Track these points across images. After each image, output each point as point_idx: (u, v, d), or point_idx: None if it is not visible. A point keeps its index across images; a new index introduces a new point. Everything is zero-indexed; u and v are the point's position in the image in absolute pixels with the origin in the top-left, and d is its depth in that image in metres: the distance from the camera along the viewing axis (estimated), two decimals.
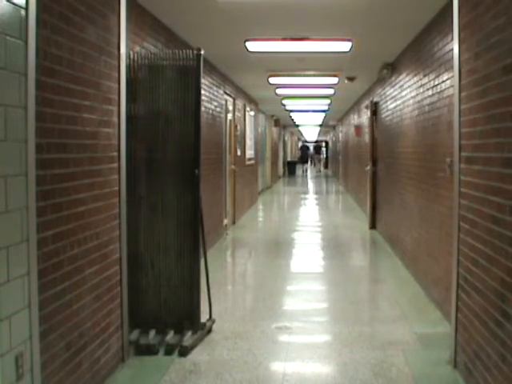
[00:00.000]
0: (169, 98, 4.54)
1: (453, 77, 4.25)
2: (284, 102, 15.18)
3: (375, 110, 10.75)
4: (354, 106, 16.14)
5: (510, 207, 3.01)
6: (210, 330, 4.81)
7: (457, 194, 4.03)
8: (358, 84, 11.00)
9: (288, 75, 10.12)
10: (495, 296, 3.22)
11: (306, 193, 21.52)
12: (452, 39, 4.25)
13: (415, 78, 6.79)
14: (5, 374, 2.56)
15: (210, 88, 8.79)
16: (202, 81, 4.69)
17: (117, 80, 4.01)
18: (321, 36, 6.66)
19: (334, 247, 9.03)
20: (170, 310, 4.60)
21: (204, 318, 4.81)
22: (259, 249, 9.33)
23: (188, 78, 4.53)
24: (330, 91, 12.45)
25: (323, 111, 18.91)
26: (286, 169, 33.44)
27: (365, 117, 12.76)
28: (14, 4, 2.60)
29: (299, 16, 5.70)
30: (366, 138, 11.93)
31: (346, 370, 4.08)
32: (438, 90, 5.54)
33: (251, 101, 14.76)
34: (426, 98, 6.18)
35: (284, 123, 27.42)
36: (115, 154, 4.00)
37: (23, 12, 2.68)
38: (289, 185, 26.46)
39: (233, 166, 11.29)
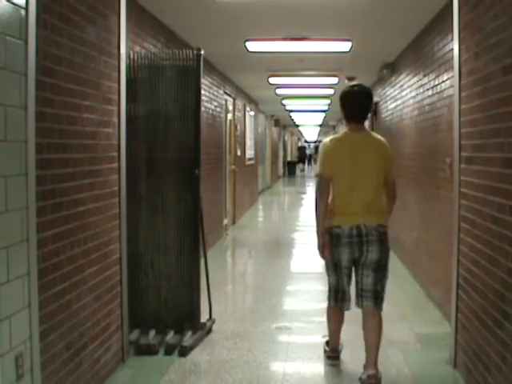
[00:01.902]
0: (169, 97, 4.54)
1: (453, 77, 4.25)
2: (284, 101, 15.18)
3: (375, 109, 10.74)
4: None
5: (510, 207, 3.00)
6: (209, 330, 4.81)
7: (457, 194, 4.03)
8: None
9: (288, 75, 10.12)
10: (495, 296, 3.22)
11: (306, 193, 21.52)
12: (452, 39, 4.25)
13: (415, 78, 6.79)
14: (5, 374, 2.56)
15: (210, 88, 8.79)
16: (202, 81, 4.69)
17: (117, 80, 4.01)
18: (321, 36, 6.67)
19: None
20: (170, 310, 4.60)
21: (204, 318, 4.81)
22: (259, 249, 9.34)
23: (188, 78, 4.53)
24: (330, 91, 12.45)
25: (323, 111, 18.90)
26: (286, 169, 33.43)
27: None
28: (13, 4, 2.60)
29: (299, 16, 5.70)
30: None
31: (346, 370, 4.08)
32: (438, 90, 5.54)
33: (251, 101, 14.76)
34: (426, 98, 6.18)
35: (284, 123, 27.42)
36: (115, 153, 4.00)
37: (23, 12, 2.68)
38: (289, 185, 26.47)
39: (233, 166, 11.29)
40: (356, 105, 3.90)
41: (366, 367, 3.77)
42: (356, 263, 3.83)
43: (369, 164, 3.79)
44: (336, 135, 4.10)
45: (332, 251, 3.85)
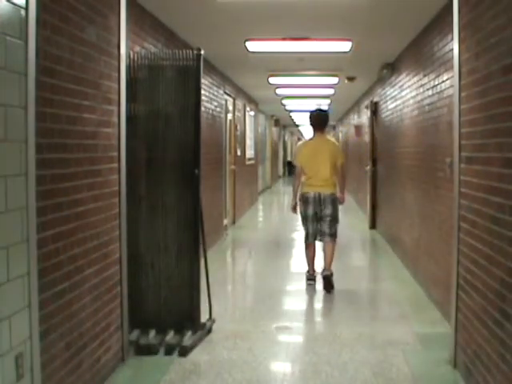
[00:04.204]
0: (169, 98, 4.54)
1: (453, 77, 4.25)
2: (284, 101, 15.18)
3: (375, 109, 10.74)
4: (354, 106, 16.14)
5: (510, 207, 3.00)
6: (209, 330, 4.81)
7: (457, 194, 4.03)
8: (358, 84, 10.99)
9: (288, 75, 10.12)
10: (495, 296, 3.22)
11: None
12: (452, 39, 4.25)
13: (415, 78, 6.79)
14: (5, 374, 2.56)
15: (210, 88, 8.79)
16: (202, 81, 4.69)
17: (117, 80, 4.01)
18: (321, 36, 6.66)
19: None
20: (170, 310, 4.60)
21: (204, 318, 4.81)
22: (259, 249, 9.33)
23: (188, 78, 4.53)
24: (330, 91, 12.45)
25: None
26: (286, 169, 33.41)
27: (365, 117, 12.76)
28: (13, 4, 2.60)
29: (299, 16, 5.70)
30: (366, 137, 11.94)
31: (346, 370, 4.08)
32: (438, 90, 5.54)
33: (251, 101, 14.76)
34: (426, 98, 6.18)
35: (284, 123, 27.42)
36: (115, 153, 4.00)
37: (23, 12, 2.68)
38: (289, 185, 26.41)
39: (233, 166, 11.29)
40: (315, 122, 6.44)
41: (325, 268, 6.33)
42: (318, 216, 6.27)
43: (323, 157, 6.26)
44: (305, 140, 6.87)
45: (303, 208, 6.34)
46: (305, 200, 6.30)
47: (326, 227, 6.27)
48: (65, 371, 3.20)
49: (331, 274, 6.27)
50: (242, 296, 6.59)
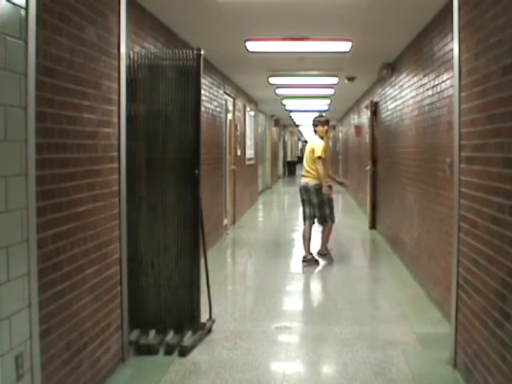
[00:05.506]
0: (169, 98, 4.54)
1: (453, 77, 4.25)
2: (284, 101, 15.18)
3: (375, 109, 10.74)
4: (354, 106, 16.13)
5: (510, 207, 3.01)
6: (209, 330, 4.81)
7: (457, 194, 4.03)
8: (358, 84, 10.99)
9: (288, 75, 10.12)
10: (495, 296, 3.22)
11: None
12: (452, 39, 4.25)
13: (415, 78, 6.79)
14: (5, 374, 2.56)
15: (210, 88, 8.79)
16: (202, 81, 4.69)
17: (117, 80, 4.01)
18: (321, 36, 6.66)
19: (334, 247, 9.01)
20: (170, 310, 4.60)
21: (204, 318, 4.81)
22: (259, 249, 9.33)
23: (188, 78, 4.53)
24: (330, 91, 12.45)
25: (323, 111, 18.90)
26: (286, 169, 33.40)
27: (365, 117, 12.76)
28: (13, 4, 2.60)
29: (299, 16, 5.70)
30: (366, 137, 11.93)
31: (346, 370, 4.08)
32: (438, 90, 5.54)
33: (251, 101, 14.76)
34: (425, 98, 6.18)
35: (284, 123, 27.42)
36: (115, 153, 4.00)
37: (23, 12, 2.68)
38: (289, 185, 26.43)
39: (233, 166, 11.29)
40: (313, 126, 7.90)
41: (321, 248, 7.92)
42: (307, 202, 7.59)
43: (307, 153, 7.60)
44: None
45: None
46: (299, 188, 7.80)
47: (317, 213, 7.57)
48: (65, 371, 3.20)
49: (327, 252, 7.80)
50: (241, 296, 6.59)
